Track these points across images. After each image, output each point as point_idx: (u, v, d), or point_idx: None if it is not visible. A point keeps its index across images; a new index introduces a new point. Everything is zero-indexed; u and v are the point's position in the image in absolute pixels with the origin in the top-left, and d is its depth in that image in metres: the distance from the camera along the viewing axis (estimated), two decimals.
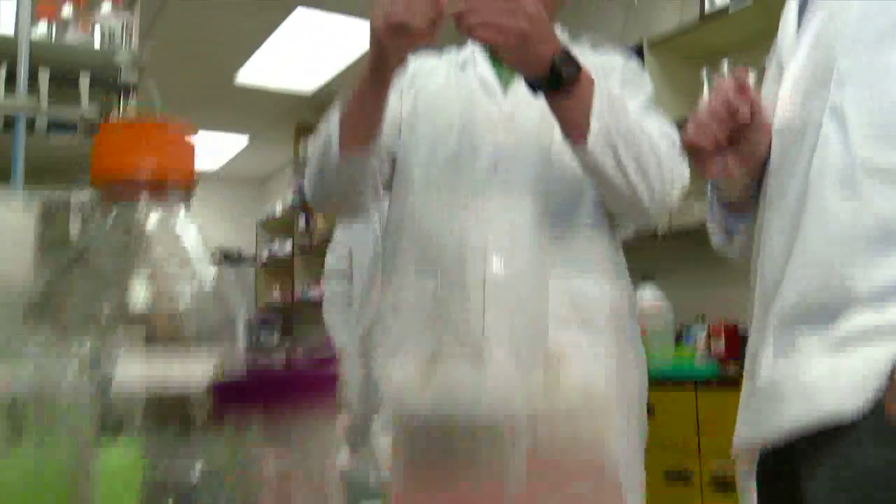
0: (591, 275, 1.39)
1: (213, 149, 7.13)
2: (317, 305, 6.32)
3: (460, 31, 1.15)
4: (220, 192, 8.17)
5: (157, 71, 5.00)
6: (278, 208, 6.89)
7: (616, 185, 1.28)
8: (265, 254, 7.13)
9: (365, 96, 1.28)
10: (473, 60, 1.50)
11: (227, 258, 7.33)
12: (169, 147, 0.45)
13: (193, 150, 0.46)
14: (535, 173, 1.39)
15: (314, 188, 1.42)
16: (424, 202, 1.41)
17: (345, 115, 1.30)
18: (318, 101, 5.83)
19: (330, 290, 3.01)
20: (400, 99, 1.48)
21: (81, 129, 2.41)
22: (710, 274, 3.37)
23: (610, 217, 1.43)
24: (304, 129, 6.12)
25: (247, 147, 7.08)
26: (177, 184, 0.44)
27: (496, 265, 1.33)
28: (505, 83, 1.47)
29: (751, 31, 3.17)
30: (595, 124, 1.22)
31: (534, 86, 1.23)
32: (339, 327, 2.96)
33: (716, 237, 1.25)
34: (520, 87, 1.40)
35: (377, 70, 1.24)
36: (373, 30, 1.18)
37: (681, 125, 3.15)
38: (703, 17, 3.19)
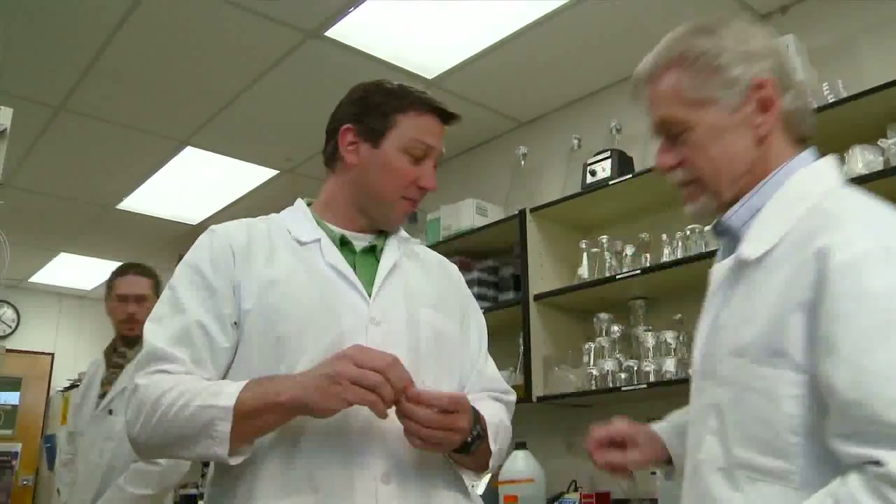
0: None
1: (91, 270, 6.87)
2: None
3: (412, 444, 1.31)
4: (96, 314, 7.83)
5: (38, 190, 4.91)
6: None
7: None
8: None
9: (274, 418, 1.29)
10: (319, 245, 1.50)
11: None
12: None
13: None
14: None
15: (163, 445, 1.36)
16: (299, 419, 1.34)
17: (244, 417, 1.27)
18: (202, 232, 5.73)
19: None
20: (232, 293, 1.44)
21: None
22: (584, 441, 3.37)
23: None
24: None
25: None
26: None
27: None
28: (361, 273, 1.50)
29: (630, 205, 3.30)
30: (493, 462, 1.46)
31: None
32: None
33: None
34: (386, 291, 1.49)
35: (300, 411, 1.28)
36: (334, 392, 1.23)
37: (559, 292, 3.22)
38: (585, 188, 3.31)
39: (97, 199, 5.22)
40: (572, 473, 3.26)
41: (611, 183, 3.18)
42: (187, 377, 1.35)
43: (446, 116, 1.58)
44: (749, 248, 1.16)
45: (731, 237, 1.24)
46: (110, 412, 2.97)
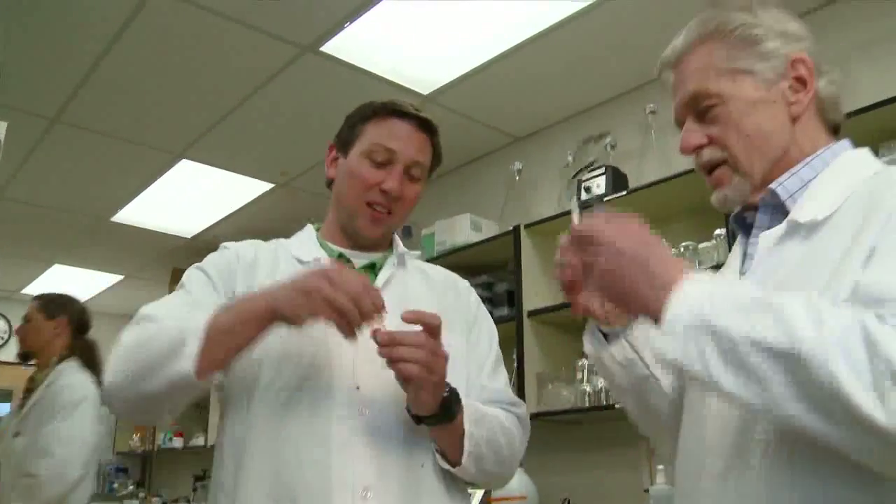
0: None
1: (85, 282, 6.84)
2: (177, 455, 6.05)
3: (391, 365, 1.27)
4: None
5: (32, 201, 4.90)
6: None
7: (479, 481, 1.49)
8: None
9: (248, 331, 1.28)
10: (317, 263, 1.51)
11: None
12: None
13: None
14: (396, 410, 1.39)
15: (131, 377, 1.31)
16: (276, 426, 1.35)
17: (216, 334, 1.26)
18: (197, 245, 5.73)
19: None
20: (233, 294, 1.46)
21: None
22: (577, 458, 3.36)
23: None
24: (180, 275, 5.95)
25: (120, 282, 6.84)
26: None
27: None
28: None
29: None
30: (467, 445, 1.38)
31: (420, 419, 1.35)
32: None
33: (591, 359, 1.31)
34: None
35: (277, 320, 1.26)
36: (304, 305, 1.21)
37: (553, 308, 3.20)
38: (580, 204, 3.30)
39: (92, 210, 5.21)
40: (565, 491, 3.25)
41: (605, 199, 3.18)
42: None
43: (419, 124, 1.56)
44: (808, 211, 1.06)
45: (771, 211, 1.15)
46: (17, 434, 3.03)
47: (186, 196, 4.94)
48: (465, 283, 1.71)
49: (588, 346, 1.29)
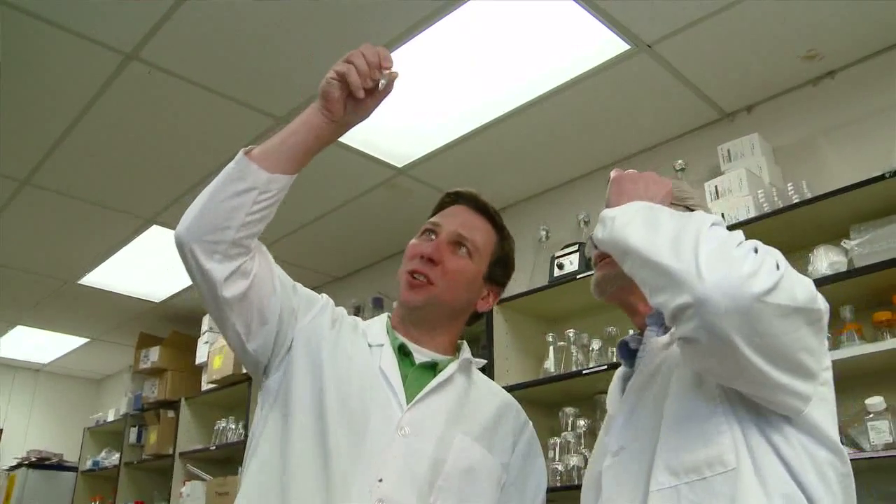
0: None
1: (48, 343, 6.72)
2: None
3: None
4: (50, 388, 7.63)
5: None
6: (110, 416, 6.43)
7: None
8: (89, 462, 6.57)
9: (301, 126, 1.42)
10: (381, 349, 1.50)
11: (44, 464, 6.71)
12: None
13: None
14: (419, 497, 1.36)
15: (203, 204, 1.35)
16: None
17: (275, 136, 1.42)
18: (165, 310, 5.66)
19: None
20: (321, 312, 1.51)
21: None
22: None
23: None
24: (147, 340, 5.88)
25: (85, 345, 6.72)
26: None
27: None
28: (412, 384, 1.46)
29: (598, 299, 3.28)
30: None
31: None
32: None
33: None
34: (425, 406, 1.44)
35: (321, 106, 1.37)
36: (323, 86, 1.35)
37: (526, 385, 3.15)
38: (553, 281, 3.30)
39: (58, 273, 5.14)
40: None
41: (578, 277, 3.17)
42: None
43: (475, 206, 1.62)
44: None
45: (659, 324, 1.34)
46: None
47: (156, 261, 4.89)
48: (525, 416, 1.65)
49: None
